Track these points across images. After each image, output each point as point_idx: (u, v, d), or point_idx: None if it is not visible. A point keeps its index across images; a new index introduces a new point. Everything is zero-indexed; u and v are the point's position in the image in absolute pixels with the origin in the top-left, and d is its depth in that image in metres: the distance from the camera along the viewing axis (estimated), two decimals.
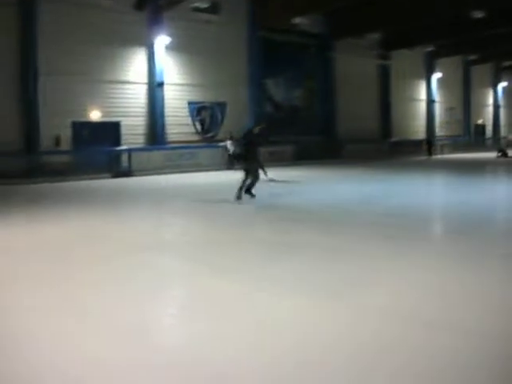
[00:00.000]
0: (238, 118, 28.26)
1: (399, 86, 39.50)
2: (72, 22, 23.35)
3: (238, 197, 12.89)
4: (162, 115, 26.15)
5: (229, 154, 24.59)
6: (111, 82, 24.93)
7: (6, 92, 22.14)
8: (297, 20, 28.49)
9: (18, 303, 5.61)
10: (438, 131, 43.59)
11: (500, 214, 12.05)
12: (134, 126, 25.59)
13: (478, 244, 8.17)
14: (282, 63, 31.85)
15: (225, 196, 13.67)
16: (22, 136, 22.35)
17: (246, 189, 13.09)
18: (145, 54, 26.01)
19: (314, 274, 6.56)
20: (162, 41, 25.83)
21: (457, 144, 42.35)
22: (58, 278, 6.59)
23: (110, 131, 24.73)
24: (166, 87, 26.33)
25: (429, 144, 36.49)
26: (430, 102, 42.93)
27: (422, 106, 42.78)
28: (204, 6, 24.83)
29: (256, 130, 14.32)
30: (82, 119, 23.94)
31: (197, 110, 27.89)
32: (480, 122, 49.03)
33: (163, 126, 26.19)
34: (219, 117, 28.54)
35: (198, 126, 27.96)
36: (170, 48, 26.30)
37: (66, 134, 23.49)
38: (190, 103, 27.63)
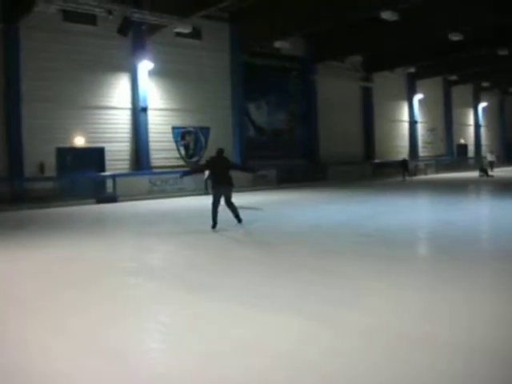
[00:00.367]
0: (221, 142, 28.32)
1: (381, 108, 39.92)
2: (55, 48, 23.45)
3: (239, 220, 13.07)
4: (146, 140, 26.22)
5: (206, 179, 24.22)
6: (95, 107, 24.99)
7: None
8: (278, 44, 28.77)
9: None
10: (421, 152, 44.03)
11: (483, 233, 12.24)
12: (118, 151, 25.62)
13: (463, 262, 8.31)
14: (264, 87, 32.12)
15: (207, 220, 13.74)
16: (6, 163, 22.31)
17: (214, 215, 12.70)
18: (128, 79, 26.12)
19: (304, 294, 6.65)
20: (145, 66, 25.97)
21: (440, 164, 42.80)
22: (44, 300, 6.65)
23: (95, 157, 24.75)
24: (149, 112, 26.44)
25: (404, 166, 34.60)
26: (413, 122, 43.37)
27: (405, 127, 43.18)
28: (186, 31, 24.96)
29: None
30: (66, 145, 23.94)
31: (181, 134, 28.00)
32: (462, 141, 49.59)
33: (147, 151, 26.25)
34: (203, 141, 28.67)
35: (182, 151, 28.05)
36: (153, 73, 26.45)
37: (51, 161, 23.47)
38: (173, 128, 27.73)
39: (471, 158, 48.45)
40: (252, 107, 31.97)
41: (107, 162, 25.23)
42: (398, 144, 42.03)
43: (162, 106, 27.32)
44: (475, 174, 33.66)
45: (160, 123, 27.11)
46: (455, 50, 31.97)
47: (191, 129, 28.42)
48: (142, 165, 25.96)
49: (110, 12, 22.42)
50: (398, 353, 4.69)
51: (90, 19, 24.09)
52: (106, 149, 25.24)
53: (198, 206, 17.73)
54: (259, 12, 27.56)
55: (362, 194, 24.04)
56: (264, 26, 28.20)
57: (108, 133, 25.29)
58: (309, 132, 34.49)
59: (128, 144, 26.05)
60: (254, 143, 31.33)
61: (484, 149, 49.24)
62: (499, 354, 4.61)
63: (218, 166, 13.06)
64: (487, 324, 5.47)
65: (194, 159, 28.03)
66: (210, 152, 27.30)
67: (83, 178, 23.84)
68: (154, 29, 25.36)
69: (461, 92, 47.96)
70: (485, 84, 48.06)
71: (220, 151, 13.19)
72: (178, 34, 26.40)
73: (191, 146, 28.35)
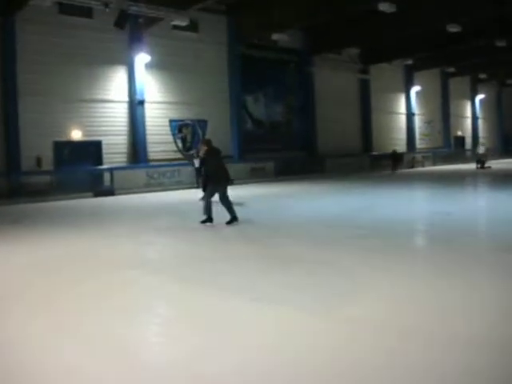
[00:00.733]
0: (219, 134, 28.38)
1: (379, 100, 39.87)
2: (51, 41, 23.36)
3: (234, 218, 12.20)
4: (144, 133, 26.17)
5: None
6: (92, 101, 24.92)
7: None
8: (275, 36, 28.69)
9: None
10: (419, 144, 44.02)
11: (480, 224, 12.27)
12: (115, 144, 25.58)
13: (460, 254, 8.33)
14: (262, 79, 32.04)
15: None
16: (3, 157, 22.26)
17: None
18: (125, 72, 26.05)
19: (303, 287, 6.67)
20: (142, 59, 25.88)
21: (437, 156, 42.79)
22: (45, 295, 6.64)
23: (92, 150, 24.72)
24: (146, 105, 26.39)
25: (394, 158, 34.39)
26: (410, 114, 43.32)
27: (402, 119, 43.14)
28: (183, 23, 24.88)
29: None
30: (64, 139, 23.88)
31: (178, 127, 27.96)
32: (459, 133, 49.59)
33: (145, 144, 26.21)
34: (200, 134, 28.59)
35: (180, 144, 28.01)
36: (150, 66, 26.37)
37: (48, 154, 23.43)
38: (171, 121, 27.68)
39: (468, 150, 48.43)
40: (249, 100, 31.91)
41: (104, 156, 25.18)
42: (395, 136, 42.00)
43: (160, 99, 27.26)
44: (472, 165, 33.67)
45: (157, 116, 27.05)
46: (453, 41, 31.89)
47: (189, 122, 28.38)
48: (139, 158, 25.93)
49: (106, 5, 22.33)
50: (391, 344, 4.70)
51: (87, 12, 23.99)
52: (103, 142, 25.18)
53: (195, 199, 17.70)
54: (256, 4, 27.49)
55: (359, 186, 24.08)
56: (261, 19, 28.12)
57: (105, 126, 25.24)
58: (306, 124, 34.45)
59: (125, 137, 26.00)
60: (252, 136, 31.30)
61: (481, 141, 49.24)
62: (497, 345, 4.62)
63: (214, 159, 12.37)
64: (484, 315, 5.49)
65: (191, 152, 27.95)
66: None
67: (80, 171, 23.80)
68: (150, 22, 25.28)
69: (458, 84, 47.93)
70: (482, 76, 48.00)
71: (209, 142, 12.67)
72: (175, 27, 26.31)
73: (188, 138, 28.30)
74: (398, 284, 6.77)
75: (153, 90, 26.92)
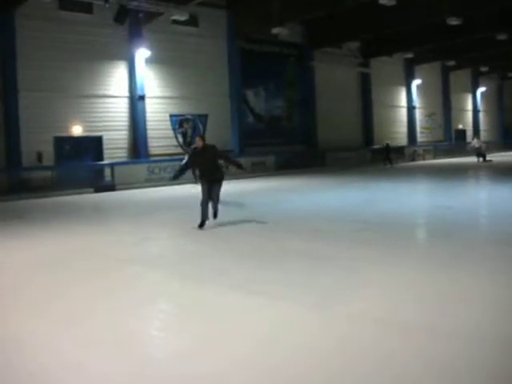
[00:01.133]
0: (219, 129, 28.45)
1: (380, 94, 39.84)
2: (51, 37, 23.35)
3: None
4: (144, 128, 26.17)
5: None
6: (92, 96, 24.92)
7: None
8: (275, 30, 28.58)
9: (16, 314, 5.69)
10: (420, 137, 44.02)
11: (482, 217, 12.28)
12: (116, 139, 25.59)
13: (460, 247, 8.34)
14: (262, 74, 32.01)
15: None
16: (4, 152, 22.28)
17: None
18: (125, 67, 26.04)
19: (303, 282, 6.68)
20: (142, 54, 25.85)
21: (438, 149, 42.76)
22: (52, 292, 6.72)
23: (92, 146, 24.74)
24: (147, 100, 26.37)
25: (387, 151, 33.36)
26: (411, 108, 43.31)
27: (403, 113, 43.13)
28: (183, 18, 24.87)
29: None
30: (64, 134, 23.90)
31: (179, 122, 27.95)
32: (460, 127, 49.55)
33: (145, 139, 26.21)
34: (201, 129, 28.59)
35: (180, 139, 28.00)
36: (150, 61, 26.35)
37: (48, 150, 23.45)
38: (171, 116, 27.67)
39: (469, 143, 48.31)
40: (250, 94, 31.91)
41: (105, 151, 25.20)
42: (396, 130, 42.01)
43: (160, 94, 27.24)
44: (473, 159, 33.63)
45: (158, 111, 27.05)
46: (453, 34, 31.86)
47: (189, 116, 28.37)
48: (140, 153, 25.93)
49: (106, 0, 22.34)
50: (392, 340, 4.72)
51: (86, 7, 24.01)
52: (104, 137, 25.20)
53: (196, 194, 17.67)
54: None
55: (360, 179, 24.07)
56: (261, 13, 28.03)
57: (106, 121, 25.24)
58: (307, 118, 34.44)
59: (126, 132, 26.01)
60: (253, 130, 31.31)
61: (482, 134, 49.19)
62: (497, 340, 4.63)
63: (205, 157, 11.30)
64: (483, 309, 5.50)
65: (192, 147, 27.89)
66: (208, 139, 27.16)
67: (81, 166, 23.85)
68: (150, 17, 25.25)
69: (459, 77, 47.88)
70: (483, 69, 47.94)
71: (202, 138, 11.63)
72: (175, 22, 26.29)
73: (189, 133, 28.27)
74: (399, 278, 6.78)
75: (153, 84, 26.90)
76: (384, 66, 39.78)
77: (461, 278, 6.65)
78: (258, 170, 27.98)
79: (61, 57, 23.64)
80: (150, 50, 25.92)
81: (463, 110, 50.42)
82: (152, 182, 24.46)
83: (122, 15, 23.72)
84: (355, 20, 30.06)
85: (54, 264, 8.56)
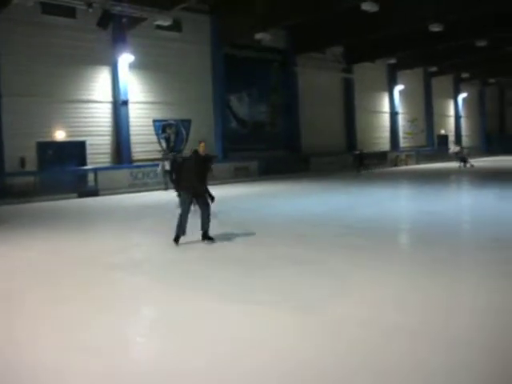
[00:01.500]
0: (202, 134, 28.38)
1: (363, 99, 40.05)
2: (34, 41, 23.23)
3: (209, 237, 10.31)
4: (127, 133, 26.11)
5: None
6: (75, 101, 24.82)
7: None
8: (259, 36, 28.68)
9: None
10: (402, 142, 44.27)
11: (464, 223, 12.39)
12: (99, 145, 25.50)
13: (443, 252, 8.43)
14: (246, 79, 32.10)
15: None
16: None
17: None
18: (109, 72, 25.97)
19: (288, 287, 6.73)
20: (125, 59, 25.80)
21: (421, 155, 43.05)
22: (33, 297, 6.68)
23: (76, 151, 24.64)
24: (130, 105, 26.33)
25: (360, 158, 33.22)
26: (394, 113, 43.57)
27: (386, 118, 43.39)
28: (167, 23, 24.88)
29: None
30: (47, 139, 23.77)
31: (162, 127, 27.92)
32: (442, 132, 49.91)
33: (128, 144, 26.15)
34: (184, 134, 28.59)
35: (164, 144, 27.96)
36: (133, 66, 26.31)
37: (31, 155, 23.31)
38: (154, 121, 27.63)
39: (449, 148, 48.70)
40: (233, 99, 31.95)
41: (88, 156, 25.10)
42: (379, 135, 42.26)
43: (143, 99, 27.21)
44: (455, 164, 33.91)
45: (141, 116, 27.00)
46: (435, 41, 32.15)
47: (172, 121, 28.34)
48: (123, 158, 25.86)
49: (89, 5, 22.31)
50: (376, 343, 4.78)
51: (70, 12, 23.92)
52: (87, 142, 25.11)
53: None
54: (239, 4, 27.52)
55: (343, 184, 24.17)
56: (245, 18, 28.12)
57: (89, 126, 25.15)
58: (290, 123, 34.52)
59: (109, 137, 25.94)
60: (236, 135, 31.36)
61: (463, 139, 49.62)
62: (484, 344, 4.70)
63: (189, 168, 10.15)
64: (463, 313, 5.58)
65: (175, 152, 27.92)
66: (191, 144, 27.28)
67: (64, 172, 23.75)
68: (134, 22, 25.22)
69: (441, 83, 48.28)
70: (464, 75, 48.42)
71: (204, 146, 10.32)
72: (159, 27, 26.28)
73: (172, 138, 28.26)
74: (383, 283, 6.85)
75: (136, 90, 26.87)
76: (367, 72, 40.02)
77: (444, 283, 6.73)
78: (241, 175, 28.04)
79: (44, 61, 23.53)
80: (134, 55, 25.88)
81: (445, 115, 50.82)
82: (135, 187, 24.41)
83: (106, 20, 23.71)
84: (338, 25, 30.22)
85: (32, 269, 8.55)
